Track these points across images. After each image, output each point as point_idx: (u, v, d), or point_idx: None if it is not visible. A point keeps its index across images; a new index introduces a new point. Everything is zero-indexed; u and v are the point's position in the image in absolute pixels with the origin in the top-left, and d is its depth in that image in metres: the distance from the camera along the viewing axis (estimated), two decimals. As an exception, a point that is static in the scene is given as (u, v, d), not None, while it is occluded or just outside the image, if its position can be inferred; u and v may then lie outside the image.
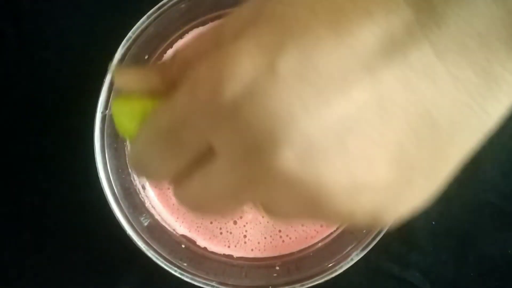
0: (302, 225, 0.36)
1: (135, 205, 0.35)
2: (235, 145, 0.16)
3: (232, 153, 0.16)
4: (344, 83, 0.15)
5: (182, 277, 0.33)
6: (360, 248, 0.33)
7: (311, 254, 0.35)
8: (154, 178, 0.21)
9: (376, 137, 0.16)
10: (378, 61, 0.15)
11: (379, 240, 0.32)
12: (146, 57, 0.35)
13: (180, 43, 0.36)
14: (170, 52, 0.36)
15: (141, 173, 0.21)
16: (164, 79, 0.20)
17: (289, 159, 0.15)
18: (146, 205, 0.36)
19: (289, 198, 0.17)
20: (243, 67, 0.16)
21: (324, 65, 0.15)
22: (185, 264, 0.33)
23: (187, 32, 0.36)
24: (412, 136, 0.16)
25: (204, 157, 0.18)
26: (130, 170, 0.36)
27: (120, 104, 0.22)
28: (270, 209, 0.18)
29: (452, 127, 0.16)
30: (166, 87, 0.20)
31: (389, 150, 0.16)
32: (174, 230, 0.36)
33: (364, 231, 0.33)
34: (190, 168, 0.19)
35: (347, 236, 0.35)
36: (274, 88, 0.15)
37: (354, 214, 0.17)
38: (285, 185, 0.16)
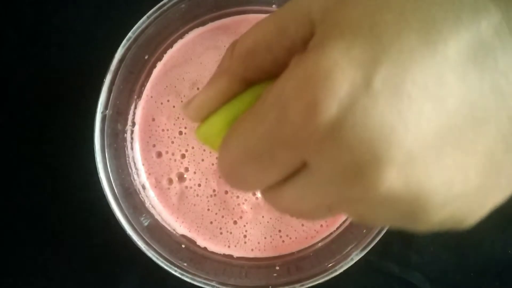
0: (302, 225, 0.36)
1: (135, 205, 0.35)
2: (333, 165, 0.16)
3: (330, 173, 0.16)
4: (439, 93, 0.15)
5: (182, 277, 0.33)
6: (360, 248, 0.33)
7: (311, 254, 0.35)
8: (246, 190, 0.21)
9: (469, 145, 0.16)
10: (470, 68, 0.15)
11: (379, 240, 0.32)
12: (146, 57, 0.35)
13: (180, 43, 0.36)
14: (170, 52, 0.36)
15: (232, 185, 0.20)
16: (230, 78, 0.20)
17: (392, 177, 0.15)
18: (146, 205, 0.36)
19: (386, 212, 0.17)
20: (339, 84, 0.15)
21: (419, 76, 0.15)
22: (185, 264, 0.33)
23: (187, 32, 0.36)
24: (501, 142, 0.16)
25: (298, 169, 0.17)
26: (130, 170, 0.36)
27: (202, 130, 0.21)
28: (363, 219, 0.18)
29: None
30: (237, 85, 0.20)
31: (480, 157, 0.16)
32: (174, 230, 0.36)
33: (364, 231, 0.33)
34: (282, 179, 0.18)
35: (347, 236, 0.35)
36: (373, 105, 0.15)
37: (445, 221, 0.17)
38: (384, 202, 0.16)
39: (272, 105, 0.16)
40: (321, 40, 0.16)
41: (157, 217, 0.36)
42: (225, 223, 0.36)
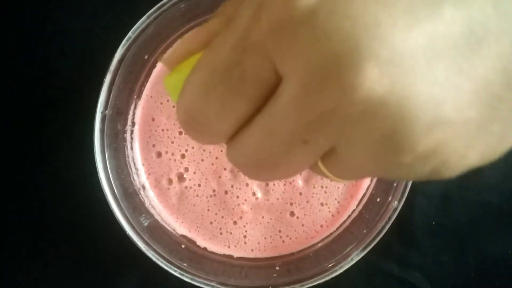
0: (302, 225, 0.36)
1: (135, 205, 0.35)
2: (311, 64, 0.14)
3: (306, 74, 0.14)
4: (436, 1, 0.13)
5: (182, 277, 0.33)
6: (360, 248, 0.33)
7: (311, 254, 0.35)
8: (212, 135, 0.17)
9: (465, 66, 0.14)
10: None
11: (379, 240, 0.32)
12: (146, 57, 0.35)
13: (180, 43, 0.36)
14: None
15: (195, 131, 0.17)
16: (220, 18, 0.18)
17: (373, 76, 0.13)
18: (146, 205, 0.36)
19: (365, 134, 0.14)
20: None
21: None
22: (185, 264, 0.33)
23: (187, 32, 0.36)
24: (501, 73, 0.14)
25: (266, 104, 0.15)
26: (129, 170, 0.36)
27: (169, 77, 0.19)
28: (340, 162, 0.16)
29: None
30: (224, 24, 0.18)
31: (475, 84, 0.14)
32: (174, 230, 0.36)
33: (364, 231, 0.33)
34: (249, 120, 0.16)
35: (347, 236, 0.35)
36: None
37: (427, 158, 0.15)
38: (364, 113, 0.14)
39: (245, 8, 0.15)
40: None
41: (157, 217, 0.36)
42: (225, 223, 0.36)
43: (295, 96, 0.14)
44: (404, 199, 0.33)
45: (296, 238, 0.36)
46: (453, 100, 0.14)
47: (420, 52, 0.13)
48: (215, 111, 0.16)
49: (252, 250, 0.36)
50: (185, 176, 0.36)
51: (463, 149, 0.15)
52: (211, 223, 0.36)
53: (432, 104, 0.14)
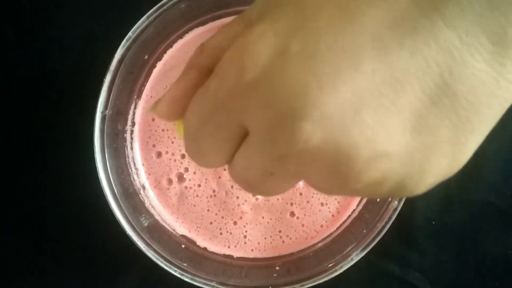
0: (302, 225, 0.36)
1: (135, 205, 0.35)
2: (261, 122, 0.17)
3: (260, 130, 0.17)
4: (355, 57, 0.16)
5: (182, 277, 0.33)
6: (360, 248, 0.33)
7: (311, 254, 0.35)
8: (208, 164, 0.21)
9: (390, 105, 0.16)
10: (388, 34, 0.16)
11: (379, 240, 0.33)
12: (146, 57, 0.35)
13: (180, 43, 0.36)
14: (170, 52, 0.36)
15: (196, 160, 0.21)
16: (199, 71, 0.21)
17: (309, 131, 0.16)
18: (146, 205, 0.36)
19: (316, 170, 0.17)
20: (261, 51, 0.17)
21: (335, 43, 0.16)
22: (185, 264, 0.33)
23: (187, 32, 0.36)
24: (428, 103, 0.16)
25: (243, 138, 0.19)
26: (129, 170, 0.36)
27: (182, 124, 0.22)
28: (310, 184, 0.19)
29: (473, 95, 0.16)
30: (205, 76, 0.21)
31: (405, 118, 0.16)
32: (174, 230, 0.36)
33: (364, 231, 0.33)
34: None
35: (347, 236, 0.35)
36: (289, 67, 0.16)
37: (379, 183, 0.17)
38: (309, 157, 0.17)
39: (213, 75, 0.19)
40: (258, 18, 0.19)
41: (157, 217, 0.36)
42: (225, 224, 0.36)
43: (256, 144, 0.18)
44: (404, 199, 0.33)
45: (296, 238, 0.36)
46: (384, 135, 0.16)
47: (347, 105, 0.16)
48: (206, 149, 0.20)
49: (252, 250, 0.36)
50: (185, 176, 0.36)
51: (416, 171, 0.17)
52: (211, 223, 0.36)
53: (365, 144, 0.16)
